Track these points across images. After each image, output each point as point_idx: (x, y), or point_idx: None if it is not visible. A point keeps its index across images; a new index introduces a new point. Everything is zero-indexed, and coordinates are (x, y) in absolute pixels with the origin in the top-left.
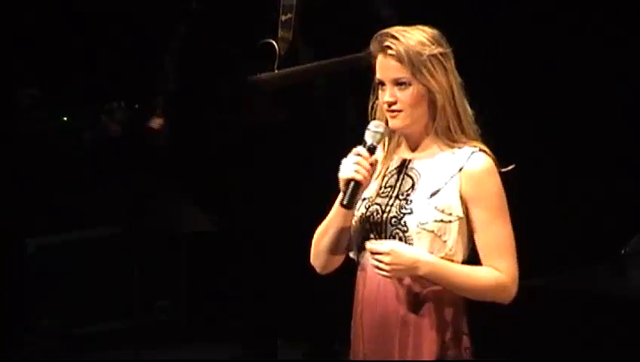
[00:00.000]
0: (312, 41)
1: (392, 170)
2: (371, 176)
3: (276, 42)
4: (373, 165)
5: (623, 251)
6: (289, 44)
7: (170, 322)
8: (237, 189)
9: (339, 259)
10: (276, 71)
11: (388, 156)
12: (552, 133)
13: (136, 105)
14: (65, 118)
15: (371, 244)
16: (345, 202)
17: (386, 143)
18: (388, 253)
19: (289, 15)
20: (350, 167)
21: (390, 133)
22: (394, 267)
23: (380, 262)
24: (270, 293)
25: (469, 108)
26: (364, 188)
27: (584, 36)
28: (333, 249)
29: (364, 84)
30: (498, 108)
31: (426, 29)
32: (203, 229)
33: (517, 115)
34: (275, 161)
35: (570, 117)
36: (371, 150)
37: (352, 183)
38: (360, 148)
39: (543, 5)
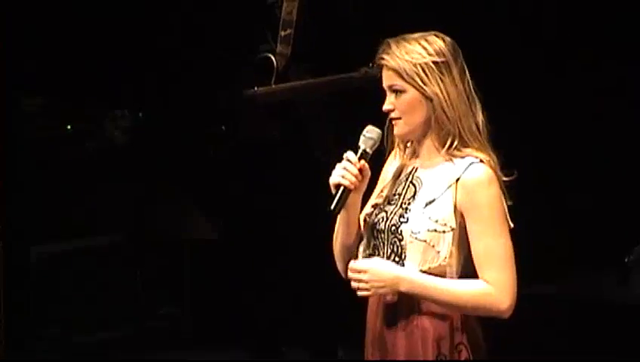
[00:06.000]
0: (307, 58)
1: (402, 178)
2: (361, 181)
3: (274, 57)
4: (362, 171)
5: (626, 259)
6: (287, 60)
7: (174, 329)
8: (236, 198)
9: None
10: (273, 85)
11: (403, 163)
12: (555, 140)
13: (140, 114)
14: (69, 126)
15: (351, 263)
16: (332, 207)
17: (403, 151)
18: (365, 271)
19: (289, 31)
20: (338, 172)
21: (395, 139)
22: (373, 284)
23: (359, 281)
24: (274, 300)
25: (477, 118)
26: (359, 193)
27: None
28: (346, 254)
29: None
30: (500, 114)
31: (432, 38)
32: (206, 236)
33: (520, 122)
34: (272, 171)
35: (575, 126)
36: (363, 155)
37: (340, 188)
38: (349, 154)
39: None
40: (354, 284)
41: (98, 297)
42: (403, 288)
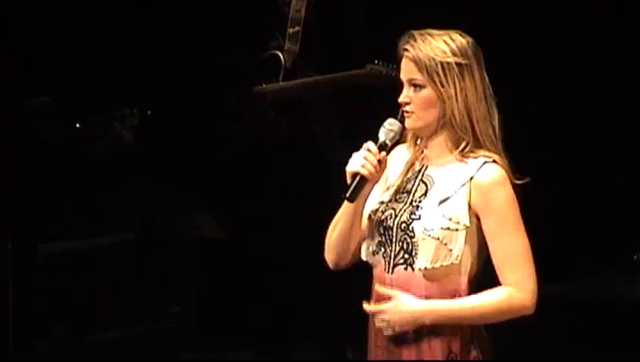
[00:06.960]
0: (314, 55)
1: (411, 176)
2: (379, 172)
3: (282, 54)
4: (381, 162)
5: (635, 257)
6: (295, 57)
7: (181, 328)
8: (245, 197)
9: (350, 256)
10: (281, 83)
11: (412, 160)
12: (564, 140)
13: (149, 112)
14: (77, 125)
15: (369, 307)
16: (348, 195)
17: (413, 146)
18: (385, 312)
19: (297, 28)
20: (358, 161)
21: (412, 134)
22: (396, 323)
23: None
24: (283, 301)
25: (494, 121)
26: (372, 184)
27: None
28: (343, 243)
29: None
30: (510, 113)
31: (456, 36)
32: (214, 236)
33: (528, 121)
34: (280, 169)
35: (583, 126)
36: (382, 147)
37: (357, 177)
38: (370, 144)
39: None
40: (377, 323)
41: (105, 296)
42: (428, 321)
